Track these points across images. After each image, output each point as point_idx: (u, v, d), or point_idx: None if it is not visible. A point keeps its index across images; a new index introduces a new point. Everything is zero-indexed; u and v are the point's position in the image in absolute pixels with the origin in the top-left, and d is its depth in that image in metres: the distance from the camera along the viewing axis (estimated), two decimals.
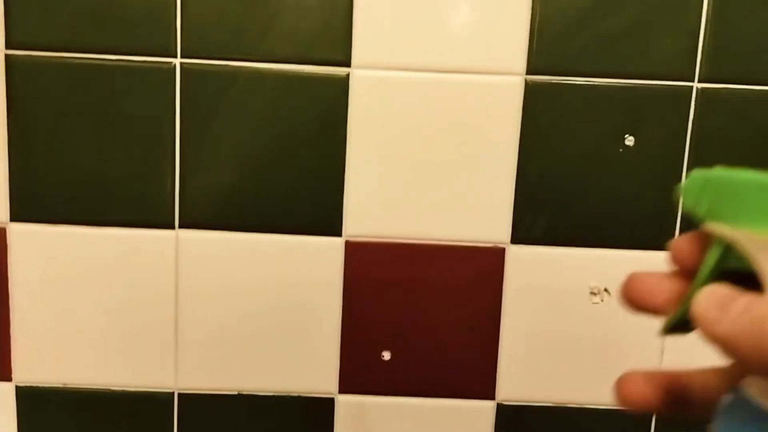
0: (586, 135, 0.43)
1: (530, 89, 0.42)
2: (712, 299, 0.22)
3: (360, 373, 0.46)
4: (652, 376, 0.25)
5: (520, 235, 0.44)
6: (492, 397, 0.46)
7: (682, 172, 0.43)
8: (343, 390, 0.46)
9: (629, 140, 0.43)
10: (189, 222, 0.44)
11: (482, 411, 0.46)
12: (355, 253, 0.44)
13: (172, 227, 0.44)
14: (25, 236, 0.44)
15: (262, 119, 0.42)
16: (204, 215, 0.44)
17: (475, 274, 0.45)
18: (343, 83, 0.42)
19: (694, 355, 0.46)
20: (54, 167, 0.43)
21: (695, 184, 0.24)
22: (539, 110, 0.43)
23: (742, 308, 0.20)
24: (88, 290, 0.44)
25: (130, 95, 0.42)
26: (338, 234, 0.44)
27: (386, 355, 0.46)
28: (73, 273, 0.44)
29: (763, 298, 0.20)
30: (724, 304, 0.21)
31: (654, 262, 0.44)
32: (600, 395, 0.46)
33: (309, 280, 0.44)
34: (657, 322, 0.45)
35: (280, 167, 0.43)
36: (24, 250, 0.44)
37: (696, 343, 0.46)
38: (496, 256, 0.44)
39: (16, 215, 0.43)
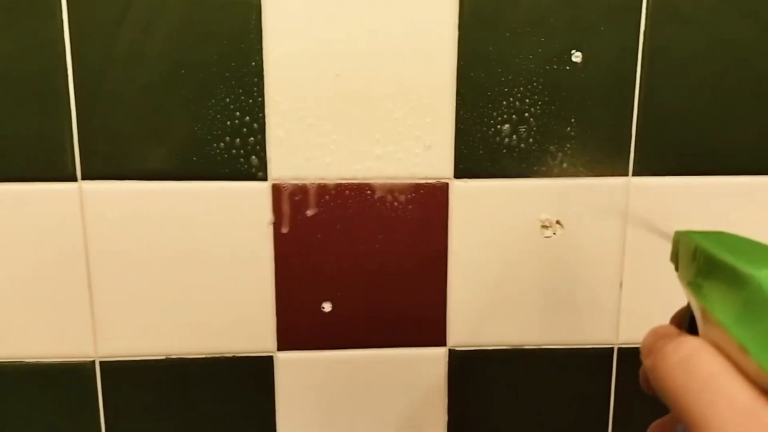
0: (532, 54, 0.39)
1: (466, 11, 0.38)
2: (651, 335, 0.24)
3: (299, 327, 0.42)
4: None
5: (463, 169, 0.40)
6: (443, 344, 0.43)
7: (634, 86, 0.40)
8: (282, 347, 0.42)
9: (576, 56, 0.39)
10: (92, 173, 0.39)
11: (434, 358, 0.43)
12: (283, 195, 0.40)
13: (74, 179, 0.39)
14: None
15: (164, 51, 0.37)
16: (107, 165, 0.39)
17: (420, 213, 0.41)
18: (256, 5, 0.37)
19: (653, 290, 0.43)
20: None
21: (677, 248, 0.27)
22: (477, 31, 0.38)
23: (668, 349, 0.22)
24: None
25: (13, 32, 0.37)
26: (264, 178, 0.40)
27: (327, 307, 0.42)
28: None
29: (684, 342, 0.21)
30: (655, 345, 0.22)
31: (606, 189, 0.41)
32: (556, 335, 0.43)
33: (233, 229, 0.40)
34: (614, 255, 0.42)
35: (189, 104, 0.38)
36: None
37: (653, 277, 0.44)
38: (440, 192, 0.41)
39: None
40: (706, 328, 0.23)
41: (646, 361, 0.23)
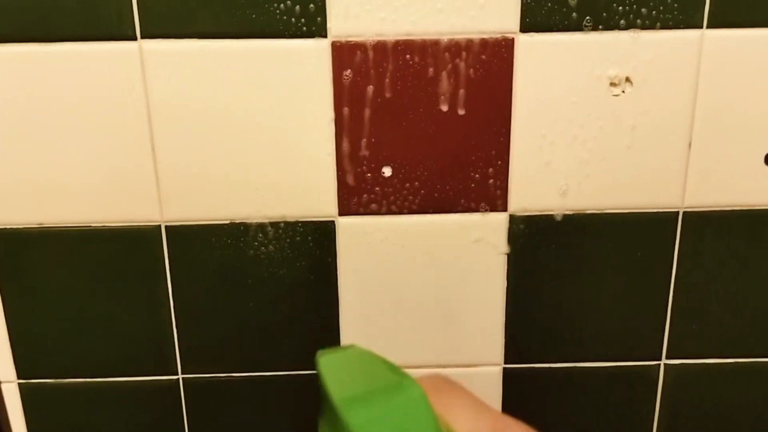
0: None
1: None
2: None
3: (360, 191, 0.42)
4: None
5: (529, 23, 0.39)
6: (504, 209, 0.43)
7: None
8: (342, 212, 0.42)
9: None
10: (151, 32, 0.38)
11: (495, 223, 0.43)
12: (345, 56, 0.39)
13: (134, 38, 0.38)
14: None
15: None
16: (167, 22, 0.38)
17: (484, 69, 0.40)
18: None
19: (725, 149, 0.41)
20: None
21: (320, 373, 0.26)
22: None
23: None
24: (50, 119, 0.40)
25: None
26: (323, 35, 0.39)
27: (387, 171, 0.42)
28: (31, 100, 0.39)
29: None
30: None
31: (680, 44, 0.39)
32: (620, 198, 0.42)
33: (293, 89, 0.40)
34: (685, 112, 0.40)
35: None
36: None
37: (727, 134, 0.42)
38: (505, 47, 0.39)
39: None
40: None
41: None
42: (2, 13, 0.38)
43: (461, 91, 0.40)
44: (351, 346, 0.30)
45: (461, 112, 0.40)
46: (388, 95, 0.40)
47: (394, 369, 0.26)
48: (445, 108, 0.40)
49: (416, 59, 0.39)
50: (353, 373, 0.26)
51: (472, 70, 0.40)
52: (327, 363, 0.27)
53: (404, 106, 0.40)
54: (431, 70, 0.40)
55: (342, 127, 0.40)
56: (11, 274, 0.43)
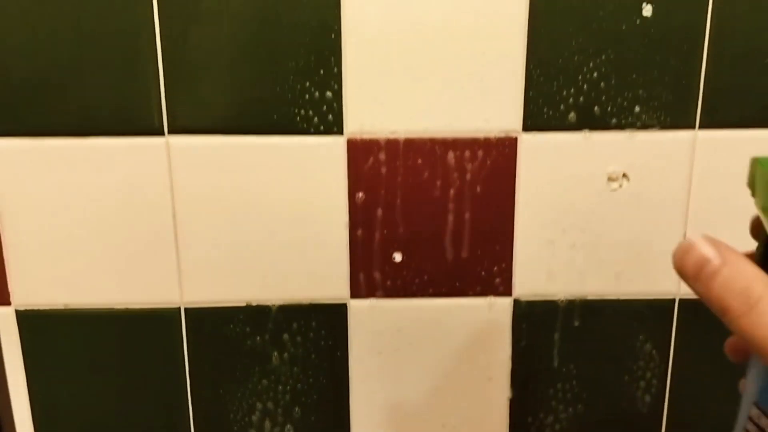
0: (602, 3, 0.40)
1: None
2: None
3: (372, 276, 0.44)
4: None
5: (532, 122, 0.42)
6: (509, 293, 0.45)
7: (703, 41, 0.40)
8: (354, 295, 0.44)
9: (647, 10, 0.40)
10: (178, 127, 0.41)
11: (501, 308, 0.45)
12: (359, 151, 0.42)
13: (162, 134, 0.41)
14: (9, 152, 0.41)
15: (248, 10, 0.39)
16: (193, 119, 0.41)
17: (489, 166, 0.42)
18: None
19: (708, 233, 0.44)
20: (30, 79, 0.40)
21: (754, 174, 0.27)
22: None
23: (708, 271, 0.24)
24: (81, 206, 0.42)
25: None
26: (339, 131, 0.41)
27: (397, 257, 0.44)
28: (63, 188, 0.42)
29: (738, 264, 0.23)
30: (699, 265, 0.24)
31: (673, 143, 0.42)
32: (622, 285, 0.44)
33: (311, 181, 0.42)
34: (678, 207, 0.42)
35: (270, 62, 0.40)
36: (10, 166, 0.41)
37: (720, 229, 0.44)
38: (508, 146, 0.42)
39: None
40: None
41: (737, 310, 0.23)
42: (42, 109, 0.40)
43: (467, 187, 0.42)
44: None
45: (467, 210, 0.43)
46: (399, 188, 0.42)
47: None
48: (451, 205, 0.43)
49: (426, 156, 0.42)
50: None
51: (478, 167, 0.42)
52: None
53: (414, 200, 0.43)
54: (440, 166, 0.42)
55: (355, 214, 0.43)
56: (36, 352, 0.45)
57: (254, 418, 0.46)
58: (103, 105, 0.40)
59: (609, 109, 0.41)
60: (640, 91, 0.41)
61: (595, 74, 0.40)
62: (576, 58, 0.40)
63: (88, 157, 0.41)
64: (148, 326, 0.44)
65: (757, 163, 0.28)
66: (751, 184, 0.28)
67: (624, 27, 0.40)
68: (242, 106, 0.41)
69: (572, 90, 0.41)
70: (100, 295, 0.44)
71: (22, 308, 0.44)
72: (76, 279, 0.43)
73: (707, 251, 0.24)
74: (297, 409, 0.46)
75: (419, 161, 0.42)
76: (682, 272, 0.25)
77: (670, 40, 0.40)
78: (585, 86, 0.41)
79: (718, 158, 0.42)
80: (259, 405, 0.46)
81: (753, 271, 0.23)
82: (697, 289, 0.24)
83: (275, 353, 0.45)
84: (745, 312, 0.22)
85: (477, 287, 0.44)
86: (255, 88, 0.40)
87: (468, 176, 0.42)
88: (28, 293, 0.44)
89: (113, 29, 0.39)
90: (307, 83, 0.40)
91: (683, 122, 0.42)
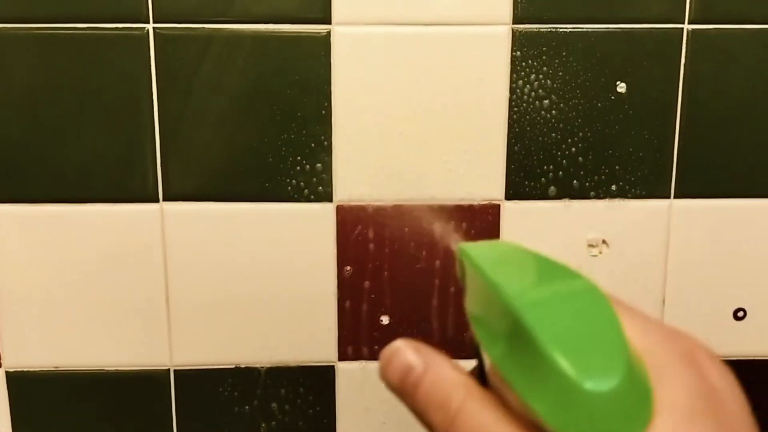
0: (578, 83, 0.42)
1: (518, 39, 0.41)
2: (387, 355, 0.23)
3: (359, 339, 0.45)
4: None
5: (514, 191, 0.43)
6: None
7: (675, 115, 0.42)
8: (342, 357, 0.45)
9: (621, 87, 0.42)
10: (172, 195, 0.42)
11: None
12: (347, 218, 0.43)
13: (156, 200, 0.42)
14: (2, 217, 0.42)
15: (241, 83, 0.41)
16: (187, 187, 0.42)
17: (473, 233, 0.44)
18: (324, 42, 0.41)
19: (696, 305, 0.45)
20: (27, 144, 0.41)
21: (462, 266, 0.24)
22: (528, 60, 0.41)
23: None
24: (74, 270, 0.43)
25: (102, 65, 0.40)
26: (329, 199, 0.43)
27: (385, 320, 0.45)
28: (57, 252, 0.43)
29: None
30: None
31: (649, 211, 0.44)
32: None
33: (301, 247, 0.43)
34: (656, 271, 0.44)
35: (262, 133, 0.42)
36: (2, 231, 0.42)
37: (697, 292, 0.46)
38: (492, 213, 0.43)
39: None
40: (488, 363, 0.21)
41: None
42: (43, 177, 0.42)
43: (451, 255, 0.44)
44: (499, 241, 0.25)
45: (453, 283, 0.44)
46: (386, 253, 0.44)
47: (557, 263, 0.22)
48: (439, 271, 0.44)
49: (412, 222, 0.43)
50: (510, 260, 0.23)
51: (462, 233, 0.44)
52: (476, 250, 0.23)
53: (401, 265, 0.44)
54: (425, 232, 0.43)
55: (344, 281, 0.44)
56: (25, 414, 0.45)
57: None
58: (102, 171, 0.42)
59: (587, 183, 0.43)
60: (617, 165, 0.43)
61: (573, 149, 0.42)
62: (554, 135, 0.42)
63: (83, 222, 0.42)
64: (138, 387, 0.45)
65: (462, 254, 0.24)
66: (462, 277, 0.24)
67: (599, 104, 0.42)
68: (235, 174, 0.42)
69: (551, 166, 0.43)
70: (90, 356, 0.44)
71: (12, 369, 0.44)
72: (67, 341, 0.44)
73: (411, 358, 0.22)
74: None
75: (405, 227, 0.43)
76: (388, 382, 0.23)
77: (644, 115, 0.42)
78: (564, 161, 0.43)
79: (693, 226, 0.44)
80: None
81: (454, 376, 0.22)
82: (405, 403, 0.22)
83: (263, 424, 0.46)
84: (446, 428, 0.20)
85: (463, 353, 0.45)
86: (247, 158, 0.42)
87: (453, 242, 0.44)
88: (18, 355, 0.44)
89: (111, 98, 0.41)
90: (299, 156, 0.42)
91: (659, 192, 0.43)
